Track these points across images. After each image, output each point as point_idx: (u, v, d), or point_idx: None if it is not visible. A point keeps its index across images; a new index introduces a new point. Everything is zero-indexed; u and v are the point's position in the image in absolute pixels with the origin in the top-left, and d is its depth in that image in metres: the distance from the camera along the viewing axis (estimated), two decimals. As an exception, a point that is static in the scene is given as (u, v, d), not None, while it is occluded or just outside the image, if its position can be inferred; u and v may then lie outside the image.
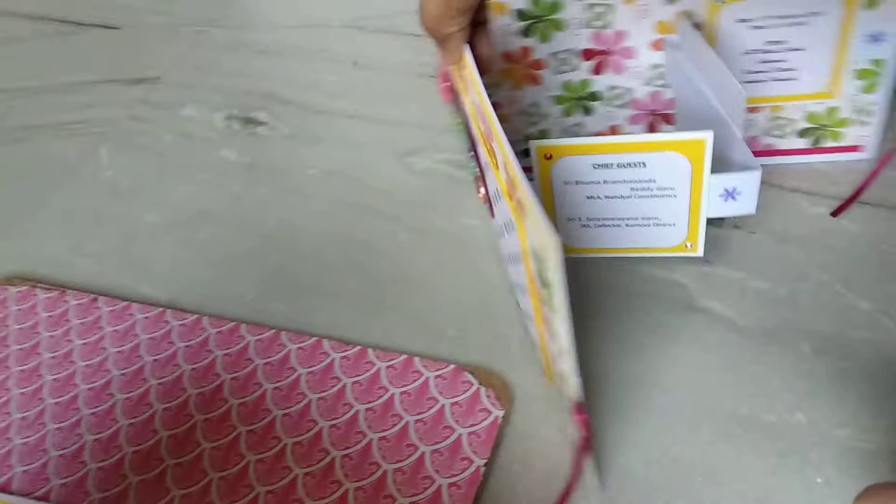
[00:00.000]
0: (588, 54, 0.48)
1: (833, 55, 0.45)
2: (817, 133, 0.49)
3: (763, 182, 0.49)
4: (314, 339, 0.48)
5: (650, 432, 0.40)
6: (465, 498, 0.38)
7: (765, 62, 0.46)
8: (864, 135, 0.49)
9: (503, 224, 0.41)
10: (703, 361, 0.42)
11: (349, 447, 0.42)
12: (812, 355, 0.41)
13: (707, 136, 0.38)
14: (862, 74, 0.46)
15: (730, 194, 0.41)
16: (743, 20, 0.44)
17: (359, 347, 0.46)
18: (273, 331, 0.49)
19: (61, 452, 0.45)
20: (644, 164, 0.40)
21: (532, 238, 0.32)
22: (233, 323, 0.50)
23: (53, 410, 0.47)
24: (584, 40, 0.47)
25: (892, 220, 0.46)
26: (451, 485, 0.39)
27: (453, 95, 0.42)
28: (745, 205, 0.41)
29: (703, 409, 0.40)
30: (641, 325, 0.44)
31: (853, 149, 0.49)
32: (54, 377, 0.49)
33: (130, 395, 0.47)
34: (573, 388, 0.33)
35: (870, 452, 0.37)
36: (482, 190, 0.46)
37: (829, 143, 0.49)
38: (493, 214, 0.46)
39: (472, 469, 0.39)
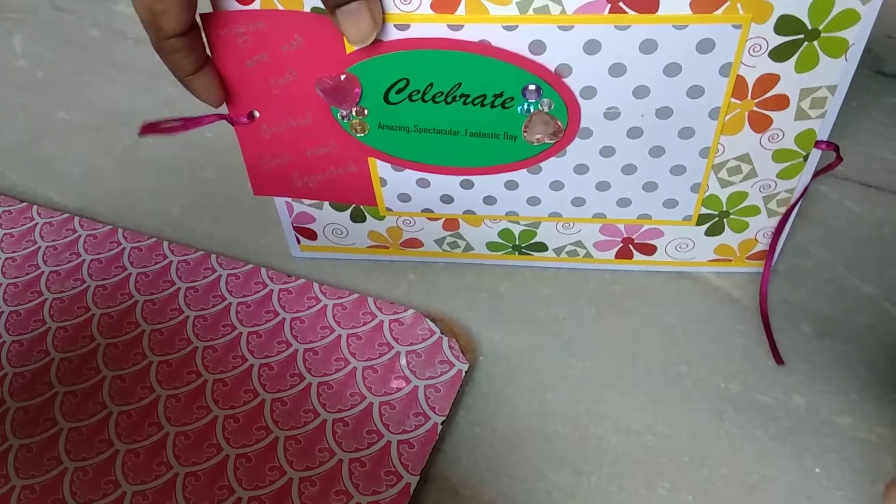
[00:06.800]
0: None
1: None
2: None
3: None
4: (250, 266, 0.41)
5: (630, 402, 0.35)
6: (417, 457, 0.33)
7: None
8: None
9: None
10: (692, 330, 0.38)
11: (283, 390, 0.35)
12: (813, 337, 0.37)
13: None
14: None
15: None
16: None
17: (303, 280, 0.40)
18: (201, 252, 0.42)
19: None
20: None
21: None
22: (153, 239, 0.42)
23: (-81, 317, 0.39)
24: None
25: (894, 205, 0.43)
26: (402, 442, 0.33)
27: None
28: None
29: (691, 382, 0.36)
30: (624, 287, 0.40)
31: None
32: (-75, 279, 0.41)
33: (19, 307, 0.39)
34: None
35: (873, 444, 0.33)
36: None
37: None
38: None
39: (429, 426, 0.34)
